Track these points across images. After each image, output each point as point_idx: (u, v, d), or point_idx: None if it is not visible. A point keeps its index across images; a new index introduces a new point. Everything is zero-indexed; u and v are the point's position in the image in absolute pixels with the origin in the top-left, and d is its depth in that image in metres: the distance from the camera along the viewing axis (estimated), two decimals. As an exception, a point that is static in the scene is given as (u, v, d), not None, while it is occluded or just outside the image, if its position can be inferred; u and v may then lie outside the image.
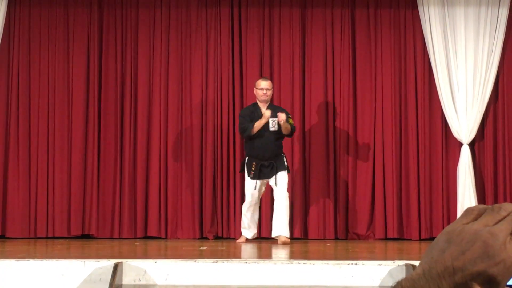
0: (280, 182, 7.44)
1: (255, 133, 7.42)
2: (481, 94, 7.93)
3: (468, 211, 0.97)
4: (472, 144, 8.01)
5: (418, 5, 8.05)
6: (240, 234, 7.67)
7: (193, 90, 8.19)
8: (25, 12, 8.16)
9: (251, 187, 7.53)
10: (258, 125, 7.38)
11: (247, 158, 7.54)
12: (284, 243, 7.18)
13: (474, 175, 7.89)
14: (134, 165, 8.14)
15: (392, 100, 8.13)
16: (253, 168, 7.48)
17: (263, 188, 7.57)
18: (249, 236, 7.60)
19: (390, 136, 8.11)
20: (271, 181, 7.51)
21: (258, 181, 7.50)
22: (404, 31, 8.19)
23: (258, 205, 7.65)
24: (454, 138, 7.99)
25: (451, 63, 7.94)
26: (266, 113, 7.39)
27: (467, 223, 0.95)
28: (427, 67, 8.12)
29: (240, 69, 8.20)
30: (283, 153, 7.56)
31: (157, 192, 8.13)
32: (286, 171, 7.48)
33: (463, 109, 7.91)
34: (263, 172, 7.48)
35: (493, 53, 7.95)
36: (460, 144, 7.95)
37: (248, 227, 7.62)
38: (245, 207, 7.62)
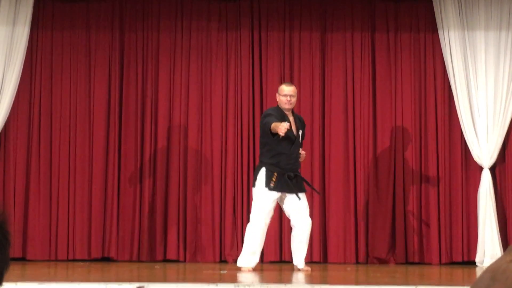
0: (304, 206, 6.87)
1: (281, 143, 6.76)
2: (502, 118, 7.90)
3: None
4: (493, 168, 7.97)
5: (438, 29, 8.06)
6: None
7: (213, 114, 8.22)
8: (47, 36, 8.24)
9: (268, 201, 6.74)
10: (275, 126, 6.59)
11: (264, 169, 6.82)
12: (307, 272, 6.79)
13: (495, 200, 7.85)
14: (153, 189, 8.16)
15: (412, 124, 8.12)
16: (273, 179, 6.77)
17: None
18: (254, 264, 6.87)
19: (411, 160, 8.09)
20: (288, 201, 6.87)
21: (278, 195, 6.80)
22: (424, 55, 8.19)
23: (266, 229, 6.91)
24: (475, 162, 7.96)
25: (472, 87, 7.93)
26: (284, 125, 6.54)
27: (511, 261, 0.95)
28: (447, 91, 8.11)
29: (260, 92, 8.22)
30: None
31: (176, 215, 8.13)
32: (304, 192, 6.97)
33: (484, 133, 7.88)
34: (288, 184, 6.76)
35: (513, 76, 7.93)
36: (481, 168, 7.92)
37: (253, 254, 6.84)
38: (255, 228, 6.79)
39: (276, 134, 6.65)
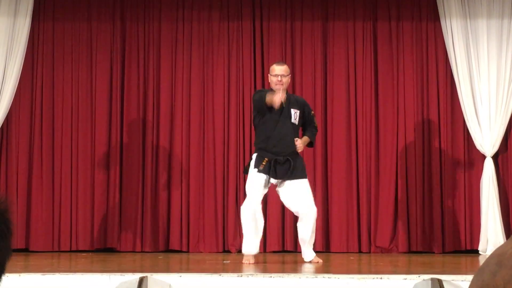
0: (305, 193, 6.51)
1: (269, 122, 6.46)
2: (505, 106, 7.89)
3: (517, 233, 0.97)
4: (495, 157, 7.96)
5: (440, 17, 8.03)
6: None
7: (215, 104, 8.21)
8: (48, 27, 8.23)
9: (258, 182, 6.42)
10: (269, 99, 6.31)
11: (256, 154, 6.55)
12: (318, 263, 6.56)
13: (498, 188, 7.85)
14: (156, 179, 8.17)
15: (415, 112, 8.11)
16: (263, 162, 6.45)
17: (266, 190, 6.60)
18: (255, 251, 6.60)
19: (413, 148, 8.08)
20: (286, 189, 6.53)
21: (266, 178, 6.44)
22: (426, 43, 8.17)
23: (261, 211, 6.61)
24: (477, 151, 7.95)
25: (474, 75, 7.91)
26: (277, 98, 6.27)
27: (517, 246, 0.95)
28: (449, 80, 8.10)
29: (262, 83, 8.21)
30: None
31: (179, 205, 8.14)
32: (307, 179, 6.59)
33: (486, 122, 7.87)
34: (277, 169, 6.43)
35: (516, 65, 7.91)
36: (484, 157, 7.91)
37: (252, 238, 6.52)
38: (246, 211, 6.48)
39: (268, 110, 6.42)
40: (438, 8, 8.03)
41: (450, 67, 8.03)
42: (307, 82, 8.20)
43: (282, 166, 6.45)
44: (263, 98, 6.43)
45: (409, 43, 8.18)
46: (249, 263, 6.49)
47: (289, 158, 6.47)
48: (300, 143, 6.63)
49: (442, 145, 8.07)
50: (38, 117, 8.18)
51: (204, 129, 8.21)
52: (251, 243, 6.57)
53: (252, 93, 8.10)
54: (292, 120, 6.54)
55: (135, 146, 8.19)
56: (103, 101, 8.20)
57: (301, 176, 6.54)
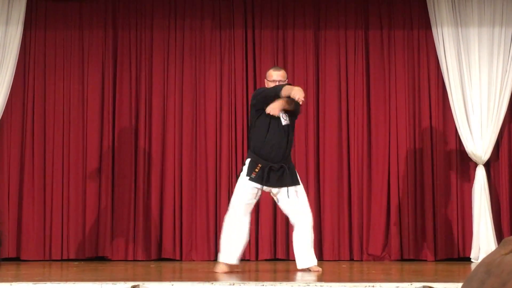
0: (302, 199, 6.44)
1: (264, 129, 6.33)
2: (496, 114, 7.92)
3: (506, 241, 0.97)
4: (487, 165, 7.98)
5: (431, 25, 8.06)
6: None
7: (207, 113, 8.21)
8: (40, 35, 8.23)
9: (247, 191, 6.29)
10: (288, 89, 6.21)
11: (249, 160, 6.39)
12: (318, 272, 6.46)
13: (490, 196, 7.86)
14: (148, 187, 8.16)
15: (406, 120, 8.13)
16: (256, 169, 6.30)
17: (257, 199, 6.46)
18: (232, 262, 6.37)
19: (405, 156, 8.10)
20: (283, 198, 6.42)
21: (258, 187, 6.32)
22: (418, 52, 8.20)
23: (249, 222, 6.42)
24: (469, 159, 7.97)
25: (465, 83, 7.94)
26: (300, 91, 6.13)
27: (506, 254, 0.95)
28: (441, 88, 8.12)
29: (254, 90, 8.21)
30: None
31: (172, 213, 8.13)
32: (301, 185, 6.48)
33: (478, 130, 7.89)
34: (271, 177, 6.31)
35: (507, 73, 7.94)
36: (475, 165, 7.93)
37: (231, 248, 6.33)
38: (231, 221, 6.33)
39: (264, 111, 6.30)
40: (430, 17, 8.06)
41: (441, 75, 8.06)
42: (299, 90, 8.19)
43: (275, 173, 6.34)
44: (277, 90, 6.30)
45: (401, 51, 8.20)
46: (220, 272, 6.32)
47: (283, 165, 6.37)
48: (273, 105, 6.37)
49: (434, 153, 8.09)
50: (30, 125, 8.16)
51: (196, 137, 8.21)
52: (228, 251, 6.39)
53: (244, 101, 8.11)
54: (283, 123, 6.44)
55: (127, 154, 8.18)
56: (95, 109, 8.19)
57: (296, 182, 6.45)
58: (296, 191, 6.46)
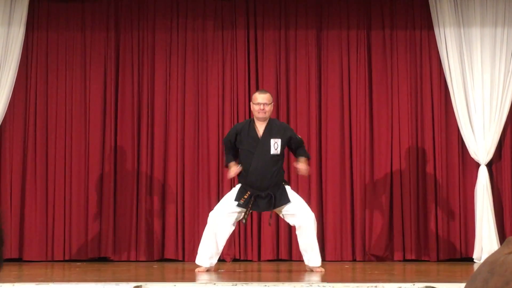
0: (299, 206, 6.45)
1: (247, 158, 6.42)
2: (498, 114, 7.91)
3: (510, 240, 0.97)
4: (489, 165, 7.97)
5: (434, 26, 8.05)
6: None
7: (210, 113, 8.21)
8: (42, 36, 8.23)
9: (230, 209, 6.36)
10: (226, 165, 6.55)
11: (240, 186, 6.50)
12: (321, 272, 6.48)
13: (492, 196, 7.85)
14: (150, 188, 8.16)
15: (409, 120, 8.12)
16: (245, 196, 6.35)
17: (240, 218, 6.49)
18: (207, 265, 6.50)
19: (407, 156, 8.09)
20: (284, 212, 6.49)
21: (243, 211, 6.38)
22: (420, 52, 8.19)
23: (228, 233, 6.48)
24: (472, 159, 7.96)
25: (468, 83, 7.93)
26: (231, 172, 6.47)
27: (509, 253, 0.94)
28: (443, 88, 8.11)
29: (256, 91, 8.20)
30: (285, 181, 6.63)
31: (174, 214, 8.13)
32: (290, 199, 6.44)
33: (480, 130, 7.89)
34: (258, 204, 6.38)
35: (509, 73, 7.94)
36: (478, 165, 7.92)
37: (210, 257, 6.48)
38: (210, 220, 6.43)
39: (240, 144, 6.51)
40: (432, 17, 8.05)
41: (444, 75, 8.05)
42: (301, 90, 8.21)
43: (262, 200, 6.38)
44: (225, 160, 6.64)
45: (403, 51, 8.20)
46: (198, 272, 6.45)
47: (270, 192, 6.38)
48: (301, 166, 6.56)
49: (437, 153, 8.08)
50: (32, 126, 8.17)
51: (198, 137, 8.21)
52: (204, 254, 6.51)
53: (246, 101, 8.11)
54: (272, 152, 6.43)
55: (129, 155, 8.18)
56: (97, 110, 8.19)
57: (285, 202, 6.44)
58: (289, 206, 6.45)
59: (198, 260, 6.59)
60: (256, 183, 6.36)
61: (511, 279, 0.90)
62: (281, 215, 6.60)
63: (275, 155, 6.44)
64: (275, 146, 6.41)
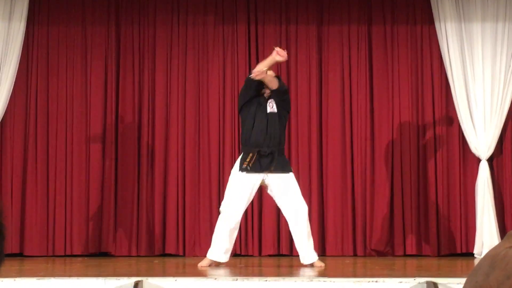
0: (294, 189, 6.43)
1: (251, 115, 6.47)
2: (499, 109, 7.90)
3: (510, 234, 0.97)
4: (490, 160, 7.97)
5: (434, 20, 8.04)
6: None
7: (211, 108, 8.21)
8: (43, 31, 8.22)
9: (239, 185, 6.33)
10: (267, 65, 6.44)
11: (241, 154, 6.54)
12: (321, 267, 6.43)
13: (493, 191, 7.85)
14: (151, 183, 8.16)
15: (410, 115, 8.12)
16: (248, 159, 6.37)
17: (254, 194, 6.50)
18: (224, 260, 6.50)
19: (408, 151, 8.09)
20: (275, 190, 6.43)
21: (253, 178, 6.37)
22: (421, 47, 8.18)
23: (239, 221, 6.47)
24: (472, 154, 7.96)
25: (469, 78, 7.92)
26: (282, 53, 6.36)
27: (510, 247, 0.94)
28: (444, 83, 8.11)
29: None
30: (290, 167, 6.64)
31: (175, 209, 8.13)
32: (292, 173, 6.50)
33: (481, 125, 7.88)
34: (261, 162, 6.39)
35: (511, 68, 7.93)
36: (479, 160, 7.92)
37: (225, 251, 6.46)
38: (225, 221, 6.39)
39: (253, 96, 6.49)
40: (433, 11, 8.04)
41: (444, 70, 8.04)
42: (302, 85, 8.20)
43: (265, 158, 6.40)
44: (252, 78, 6.47)
45: (404, 46, 8.19)
46: (201, 266, 6.44)
47: (273, 149, 6.43)
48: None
49: (437, 148, 8.08)
50: (33, 121, 8.16)
51: (199, 132, 8.21)
52: (219, 249, 6.48)
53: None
54: (269, 110, 6.53)
55: (130, 150, 8.18)
56: (98, 105, 8.19)
57: (287, 170, 6.49)
58: (288, 180, 6.44)
59: (213, 256, 6.52)
60: (259, 140, 6.42)
61: (512, 273, 0.90)
62: (277, 196, 6.50)
63: (272, 113, 6.51)
64: (270, 104, 6.52)
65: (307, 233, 6.48)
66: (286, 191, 6.46)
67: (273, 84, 6.49)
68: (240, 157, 6.53)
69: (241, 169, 6.39)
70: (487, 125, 7.88)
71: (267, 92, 6.57)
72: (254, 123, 6.49)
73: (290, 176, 6.49)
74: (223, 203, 6.58)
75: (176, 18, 8.31)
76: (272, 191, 6.54)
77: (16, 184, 8.10)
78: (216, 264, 6.59)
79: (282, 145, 6.57)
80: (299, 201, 6.46)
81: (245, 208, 6.56)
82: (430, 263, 7.27)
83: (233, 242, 6.55)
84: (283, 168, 6.48)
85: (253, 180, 6.44)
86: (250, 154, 6.39)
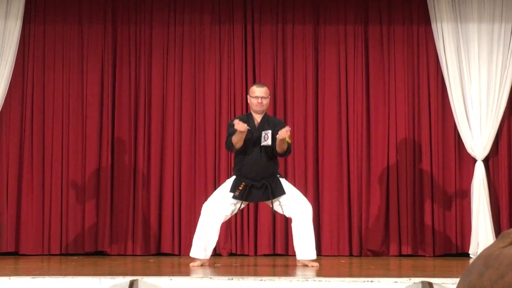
0: (293, 193, 6.50)
1: (243, 148, 6.45)
2: (495, 110, 7.91)
3: (504, 234, 0.97)
4: (486, 160, 7.98)
5: (431, 21, 8.06)
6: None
7: (207, 108, 8.21)
8: (39, 29, 8.22)
9: (225, 201, 6.42)
10: (236, 138, 6.37)
11: (234, 178, 6.56)
12: (316, 267, 6.46)
13: (489, 192, 7.86)
14: (147, 182, 8.16)
15: (406, 116, 8.13)
16: (240, 188, 6.43)
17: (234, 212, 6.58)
18: (203, 257, 6.56)
19: (404, 152, 8.09)
20: (280, 206, 6.54)
21: (239, 202, 6.46)
22: (417, 47, 8.19)
23: (220, 224, 6.53)
24: (468, 154, 7.97)
25: (465, 79, 7.93)
26: (240, 126, 6.28)
27: (504, 247, 0.94)
28: (440, 83, 8.12)
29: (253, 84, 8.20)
30: (279, 174, 6.66)
31: (171, 208, 8.13)
32: (286, 192, 6.51)
33: (477, 125, 7.89)
34: (253, 194, 6.46)
35: (507, 68, 7.94)
36: (474, 161, 7.93)
37: (204, 248, 6.52)
38: (203, 221, 6.48)
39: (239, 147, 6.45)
40: (429, 12, 8.05)
41: (441, 70, 8.05)
42: (298, 85, 8.21)
43: (258, 191, 6.45)
44: (229, 143, 6.49)
45: (400, 46, 8.20)
46: (193, 266, 6.47)
47: (265, 182, 6.45)
48: (282, 132, 6.40)
49: (433, 149, 8.09)
50: (29, 119, 8.16)
51: (195, 132, 8.21)
52: (198, 246, 6.55)
53: (243, 96, 8.11)
54: (263, 143, 6.48)
55: (126, 148, 8.18)
56: (94, 103, 8.19)
57: (281, 193, 6.50)
58: (286, 196, 6.50)
59: (192, 253, 6.62)
60: (251, 173, 6.44)
61: (506, 273, 0.91)
62: (276, 208, 6.57)
63: (267, 146, 6.49)
64: (266, 137, 6.48)
65: (311, 230, 6.52)
66: (288, 198, 6.52)
67: (283, 147, 6.44)
68: (233, 180, 6.52)
69: (234, 195, 6.44)
70: (483, 125, 7.90)
71: (241, 128, 6.38)
72: (245, 156, 6.50)
73: (287, 194, 6.49)
74: (206, 203, 6.61)
75: (173, 17, 8.30)
76: (274, 207, 6.57)
77: (12, 182, 8.09)
78: (211, 264, 6.58)
79: (276, 171, 6.59)
80: (303, 200, 6.53)
81: (226, 218, 6.60)
82: (425, 263, 7.28)
83: (214, 241, 6.56)
84: (277, 192, 6.49)
85: (238, 202, 6.51)
86: (243, 184, 6.43)
